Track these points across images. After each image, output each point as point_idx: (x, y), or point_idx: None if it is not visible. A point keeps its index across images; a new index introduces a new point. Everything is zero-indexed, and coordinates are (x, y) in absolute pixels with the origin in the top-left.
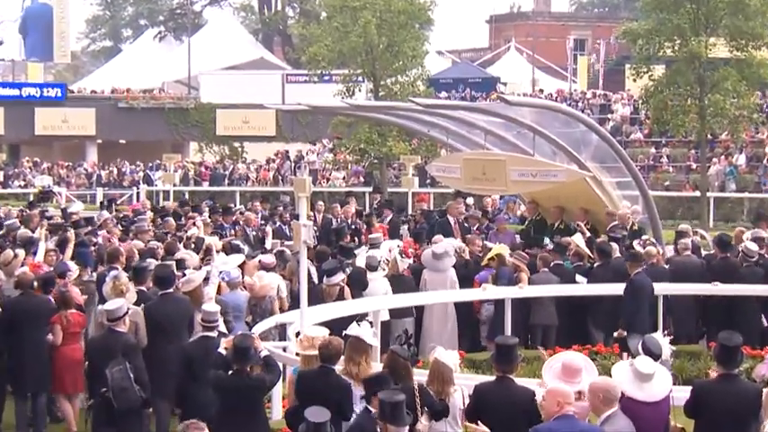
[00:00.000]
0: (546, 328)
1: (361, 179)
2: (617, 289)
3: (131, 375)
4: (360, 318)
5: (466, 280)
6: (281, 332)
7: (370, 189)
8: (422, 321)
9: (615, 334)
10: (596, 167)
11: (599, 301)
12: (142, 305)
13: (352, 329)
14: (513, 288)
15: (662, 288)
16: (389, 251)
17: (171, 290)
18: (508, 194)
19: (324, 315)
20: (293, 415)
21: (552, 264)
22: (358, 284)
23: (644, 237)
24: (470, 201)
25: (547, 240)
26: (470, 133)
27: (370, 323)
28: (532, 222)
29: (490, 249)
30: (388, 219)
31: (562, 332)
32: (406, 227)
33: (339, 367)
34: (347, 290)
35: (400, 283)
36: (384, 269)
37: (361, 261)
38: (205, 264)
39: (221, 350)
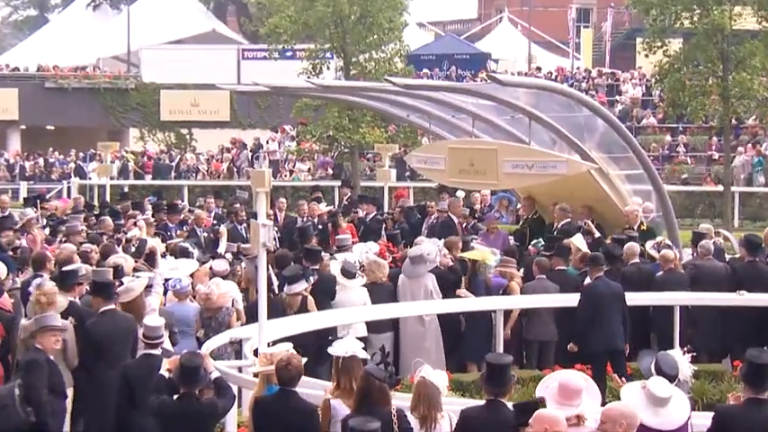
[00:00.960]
0: (543, 344)
1: (330, 172)
2: (628, 299)
3: (17, 392)
4: (330, 334)
5: (454, 287)
6: (236, 350)
7: (339, 183)
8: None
9: (568, 347)
10: (603, 158)
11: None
12: (70, 318)
13: (341, 347)
14: (504, 298)
15: (680, 297)
16: (365, 254)
17: (112, 305)
18: (500, 189)
19: (285, 329)
20: None
21: (553, 269)
22: (324, 294)
23: (658, 238)
24: (461, 194)
25: (540, 242)
26: (456, 118)
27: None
28: (529, 222)
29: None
30: (371, 216)
31: (563, 349)
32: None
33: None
34: (311, 300)
35: (380, 292)
36: (363, 276)
37: (336, 268)
38: (147, 270)
39: (164, 371)
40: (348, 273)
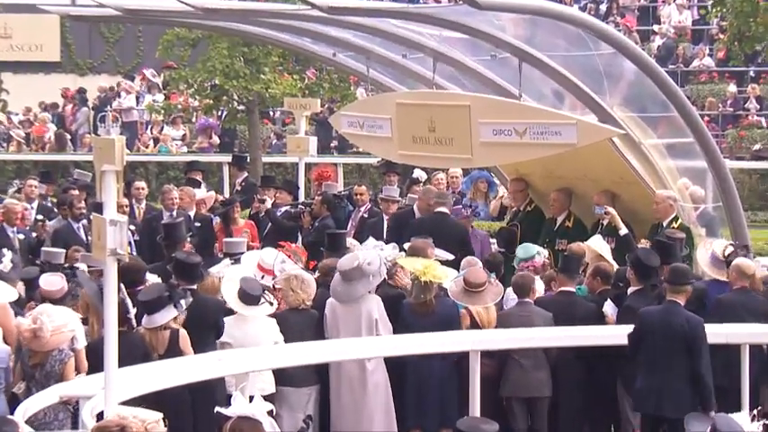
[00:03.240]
0: (531, 402)
1: (215, 140)
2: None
3: None
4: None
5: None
6: (73, 413)
7: (230, 159)
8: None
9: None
10: (631, 119)
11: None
12: None
13: (241, 406)
14: (476, 335)
15: (756, 332)
16: (281, 264)
17: None
18: (475, 168)
19: (146, 382)
20: None
21: (553, 290)
22: (205, 327)
23: (719, 241)
24: (421, 175)
25: (537, 252)
26: (410, 59)
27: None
28: (520, 217)
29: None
30: (281, 209)
31: (565, 411)
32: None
33: None
34: (184, 337)
35: (299, 324)
36: (272, 302)
37: (229, 289)
38: None
39: None
40: (248, 296)
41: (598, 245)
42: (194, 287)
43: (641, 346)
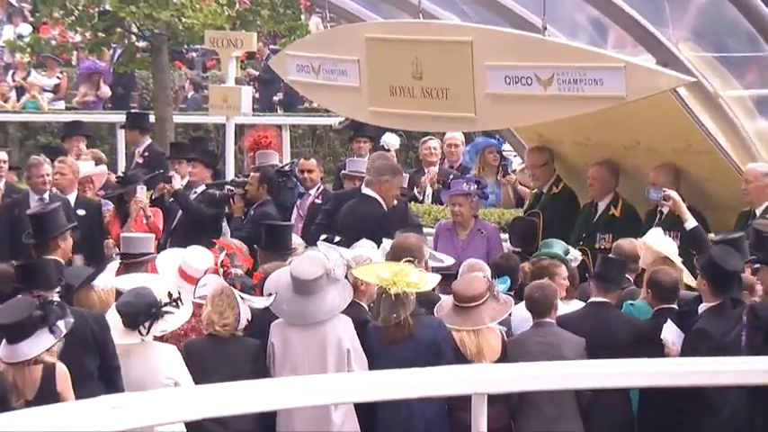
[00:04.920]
0: None
1: (106, 91)
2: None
3: None
4: None
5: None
6: None
7: (125, 118)
8: None
9: None
10: (705, 61)
11: (723, 398)
12: None
13: None
14: (478, 371)
15: None
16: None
17: None
18: (480, 132)
19: None
20: None
21: (591, 303)
22: (91, 357)
23: None
24: (391, 142)
25: (567, 252)
26: None
27: None
28: (543, 202)
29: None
30: (198, 189)
31: None
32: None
33: None
34: (63, 375)
35: (229, 356)
36: (161, 330)
37: (113, 310)
38: None
39: None
40: (127, 316)
41: (660, 242)
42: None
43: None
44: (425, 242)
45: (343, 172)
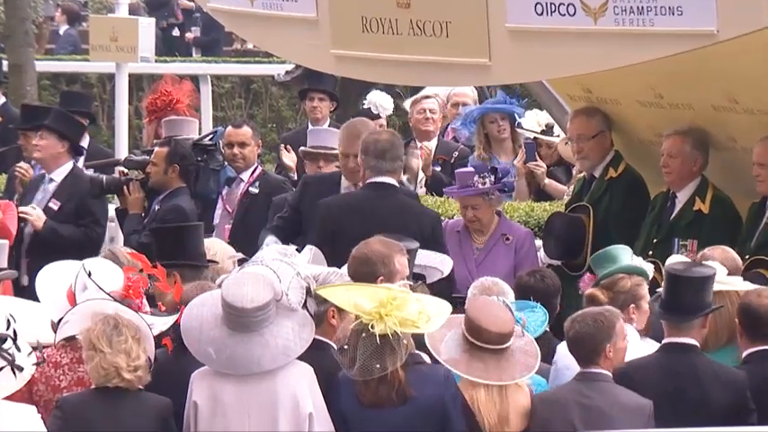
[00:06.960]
0: None
1: None
2: None
3: None
4: None
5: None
6: None
7: None
8: None
9: None
10: None
11: None
12: None
13: None
14: None
15: None
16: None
17: None
18: (499, 86)
19: None
20: None
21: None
22: None
23: None
24: (380, 103)
25: (633, 265)
26: None
27: None
28: (594, 192)
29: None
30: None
31: None
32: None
33: None
34: None
35: (123, 419)
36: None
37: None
38: None
39: None
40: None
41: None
42: None
43: None
44: (401, 249)
45: (303, 149)
